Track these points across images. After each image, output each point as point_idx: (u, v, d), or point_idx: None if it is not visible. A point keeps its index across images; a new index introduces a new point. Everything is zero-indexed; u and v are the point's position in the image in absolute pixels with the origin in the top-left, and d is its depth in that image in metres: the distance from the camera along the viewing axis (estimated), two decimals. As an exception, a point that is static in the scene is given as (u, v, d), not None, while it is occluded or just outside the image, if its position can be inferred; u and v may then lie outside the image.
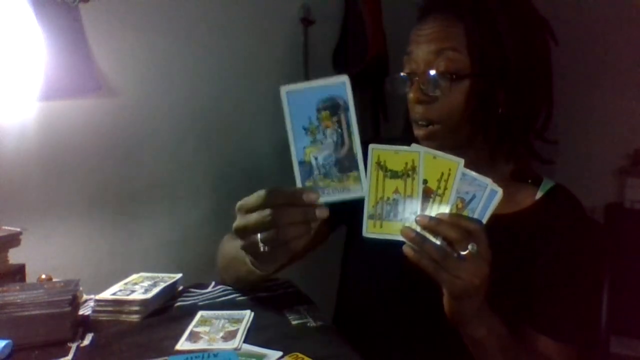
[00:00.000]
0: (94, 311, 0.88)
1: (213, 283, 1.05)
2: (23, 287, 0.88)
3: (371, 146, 0.68)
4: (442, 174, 0.68)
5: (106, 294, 0.90)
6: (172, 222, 1.79)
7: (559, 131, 2.61)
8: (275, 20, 2.03)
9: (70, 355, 0.75)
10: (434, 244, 0.66)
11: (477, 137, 0.86)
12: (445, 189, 0.67)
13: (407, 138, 0.81)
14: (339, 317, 1.07)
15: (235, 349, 0.75)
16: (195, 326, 0.83)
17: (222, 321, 0.84)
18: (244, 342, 0.77)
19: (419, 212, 0.68)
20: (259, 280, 0.87)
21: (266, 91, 2.00)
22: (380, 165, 0.68)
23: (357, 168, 0.67)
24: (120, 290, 0.92)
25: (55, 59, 1.44)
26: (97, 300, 0.89)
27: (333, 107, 0.66)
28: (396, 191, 0.68)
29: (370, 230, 0.68)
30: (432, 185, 0.68)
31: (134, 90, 1.66)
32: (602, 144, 2.64)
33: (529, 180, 0.91)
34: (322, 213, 0.66)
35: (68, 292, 0.84)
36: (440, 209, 0.67)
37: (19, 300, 0.80)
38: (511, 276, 0.85)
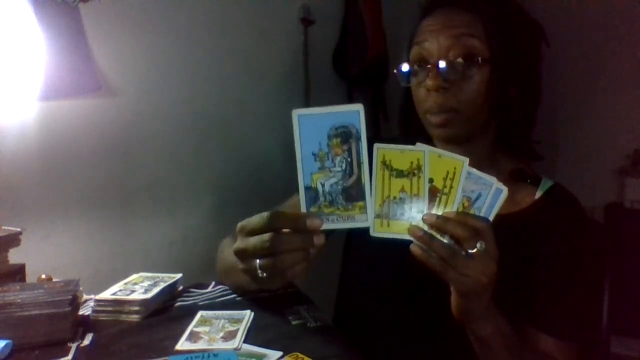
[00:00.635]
0: (94, 311, 0.89)
1: (213, 283, 1.05)
2: (23, 287, 0.88)
3: (376, 145, 0.68)
4: (448, 172, 0.68)
5: (106, 294, 0.90)
6: (172, 222, 1.79)
7: (559, 131, 2.62)
8: (275, 20, 2.03)
9: (70, 355, 0.75)
10: (442, 242, 0.66)
11: (488, 128, 0.87)
12: (451, 187, 0.67)
13: (406, 138, 0.80)
14: (339, 317, 1.07)
15: (235, 349, 0.75)
16: (195, 326, 0.83)
17: (222, 321, 0.84)
18: (244, 342, 0.77)
19: (425, 211, 0.67)
20: (259, 290, 0.88)
21: (266, 91, 2.00)
22: (386, 165, 0.68)
23: (363, 198, 0.66)
24: (120, 290, 0.92)
25: (55, 59, 1.44)
26: (97, 300, 0.89)
27: (345, 135, 0.66)
28: (402, 190, 0.68)
29: (377, 229, 0.68)
30: (438, 184, 0.68)
31: (134, 90, 1.66)
32: (602, 144, 2.63)
33: (528, 180, 0.91)
34: (318, 240, 0.66)
35: (68, 292, 0.84)
36: (446, 208, 0.67)
37: (19, 300, 0.80)
38: (511, 276, 0.85)
